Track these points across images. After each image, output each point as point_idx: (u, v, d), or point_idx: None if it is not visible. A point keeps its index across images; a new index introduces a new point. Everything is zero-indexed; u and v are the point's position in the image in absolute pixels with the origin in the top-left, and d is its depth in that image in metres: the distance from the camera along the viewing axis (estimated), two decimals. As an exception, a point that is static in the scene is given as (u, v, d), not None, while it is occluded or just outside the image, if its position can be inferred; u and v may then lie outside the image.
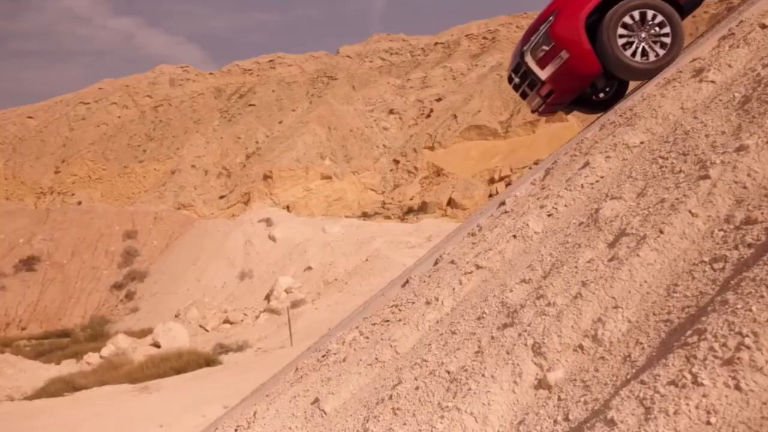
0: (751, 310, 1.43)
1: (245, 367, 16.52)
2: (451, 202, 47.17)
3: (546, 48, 4.80)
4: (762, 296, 1.45)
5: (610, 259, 2.16)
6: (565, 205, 3.02)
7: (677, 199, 2.17)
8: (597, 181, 3.01)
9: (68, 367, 21.74)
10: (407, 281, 3.91)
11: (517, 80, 5.32)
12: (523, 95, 5.35)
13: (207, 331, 27.52)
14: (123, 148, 73.60)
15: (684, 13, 4.82)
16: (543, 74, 4.89)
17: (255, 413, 3.47)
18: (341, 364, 3.27)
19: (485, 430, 1.88)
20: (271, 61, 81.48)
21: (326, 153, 62.10)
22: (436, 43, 77.12)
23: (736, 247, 1.78)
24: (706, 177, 2.14)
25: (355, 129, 66.64)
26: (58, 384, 16.76)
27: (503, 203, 3.87)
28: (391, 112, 69.27)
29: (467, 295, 2.95)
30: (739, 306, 1.47)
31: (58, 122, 77.11)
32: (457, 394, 2.11)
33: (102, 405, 13.28)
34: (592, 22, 4.77)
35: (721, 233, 1.89)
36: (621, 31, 4.58)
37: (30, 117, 78.15)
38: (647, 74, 4.63)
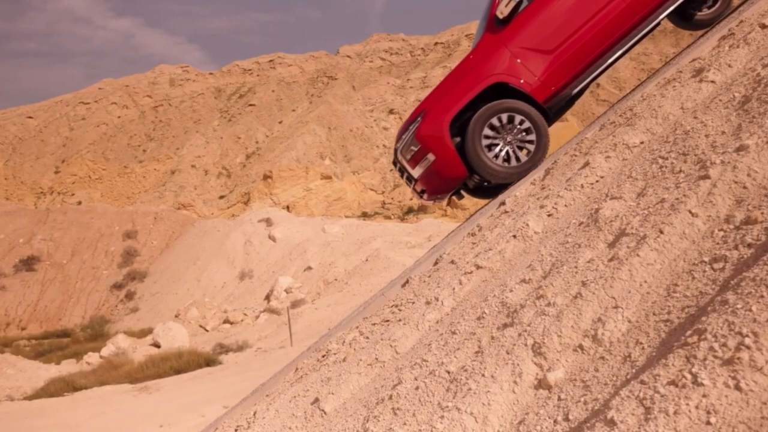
0: (751, 310, 1.43)
1: (245, 367, 16.53)
2: (451, 202, 47.20)
3: (414, 149, 4.81)
4: (762, 296, 1.45)
5: (610, 259, 2.16)
6: (565, 205, 3.02)
7: (677, 199, 2.17)
8: (597, 181, 3.01)
9: (68, 367, 21.74)
10: (407, 281, 3.91)
11: (398, 170, 5.34)
12: (408, 181, 5.37)
13: (207, 331, 27.52)
14: (123, 148, 73.60)
15: (551, 119, 4.82)
16: (414, 173, 4.91)
17: (255, 413, 3.47)
18: (341, 364, 3.27)
19: (485, 430, 1.88)
20: (271, 61, 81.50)
21: (326, 153, 62.12)
22: (436, 43, 77.09)
23: (736, 247, 1.78)
24: (706, 177, 2.14)
25: (355, 129, 66.66)
26: (58, 384, 16.76)
27: (503, 203, 3.88)
28: (391, 112, 69.27)
29: (467, 295, 2.95)
30: (739, 306, 1.47)
31: (58, 122, 77.11)
32: (457, 394, 2.11)
33: (102, 405, 13.28)
34: (465, 120, 4.77)
35: (721, 233, 1.89)
36: (487, 132, 4.58)
37: (30, 117, 78.16)
38: (511, 178, 4.64)
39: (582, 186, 3.03)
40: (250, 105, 74.66)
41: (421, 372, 2.46)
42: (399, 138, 5.08)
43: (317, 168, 58.01)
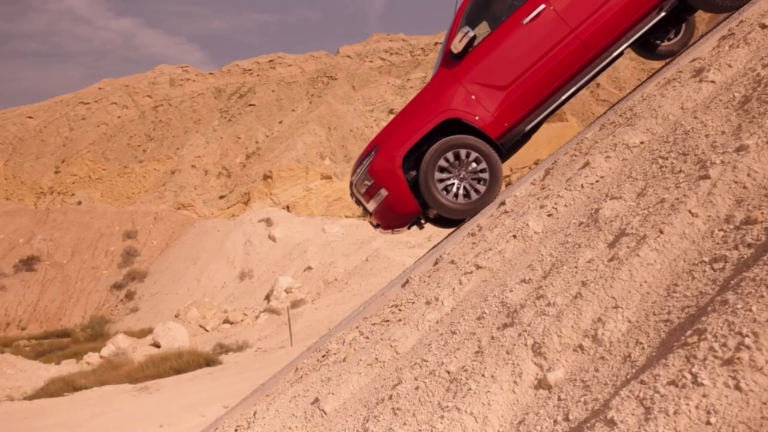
0: (751, 310, 1.43)
1: (245, 367, 16.53)
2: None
3: (368, 184, 4.80)
4: (762, 296, 1.45)
5: (610, 259, 2.16)
6: (565, 205, 3.02)
7: (677, 199, 2.17)
8: (597, 181, 3.01)
9: (68, 367, 21.75)
10: (407, 281, 3.91)
11: (355, 201, 5.32)
12: (365, 212, 5.34)
13: (207, 331, 27.52)
14: (123, 148, 73.64)
15: (504, 155, 4.79)
16: (369, 207, 4.91)
17: (255, 413, 3.47)
18: (341, 364, 3.27)
19: (485, 430, 1.88)
20: (271, 61, 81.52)
21: (326, 153, 62.15)
22: (436, 43, 77.10)
23: (736, 247, 1.78)
24: (706, 177, 2.14)
25: (355, 129, 66.68)
26: (58, 384, 16.77)
27: (503, 203, 3.88)
28: (391, 112, 69.31)
29: (467, 295, 2.95)
30: (739, 306, 1.47)
31: (58, 122, 77.15)
32: (457, 394, 2.11)
33: (102, 405, 13.28)
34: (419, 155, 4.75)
35: (721, 233, 1.89)
36: (441, 166, 4.56)
37: (30, 117, 78.20)
38: (463, 214, 4.63)
39: (582, 186, 3.03)
40: (250, 105, 74.69)
41: (421, 372, 2.46)
42: (354, 171, 5.06)
43: (317, 168, 58.04)
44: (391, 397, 2.40)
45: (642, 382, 1.49)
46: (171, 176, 66.60)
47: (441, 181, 4.59)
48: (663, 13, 4.61)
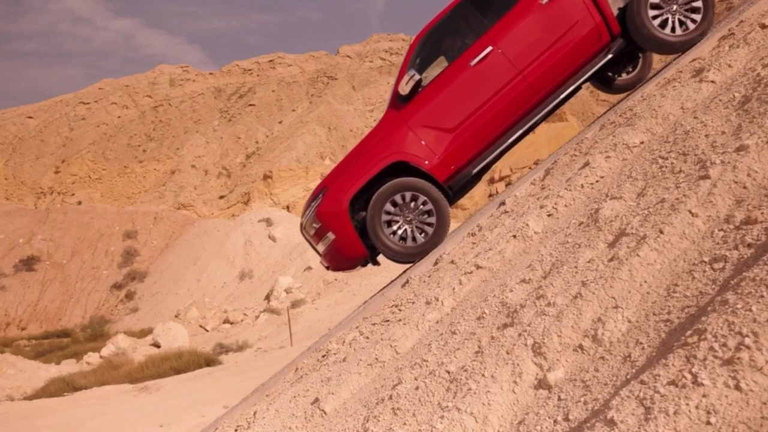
0: (751, 310, 1.43)
1: (245, 367, 16.53)
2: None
3: (316, 226, 4.78)
4: (762, 296, 1.45)
5: (610, 259, 2.16)
6: (565, 205, 3.02)
7: (677, 199, 2.17)
8: (597, 181, 3.01)
9: (68, 367, 21.75)
10: (407, 281, 3.91)
11: (306, 240, 5.30)
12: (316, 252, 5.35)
13: (207, 331, 27.52)
14: (123, 148, 73.66)
15: (451, 198, 4.76)
16: (319, 248, 4.89)
17: (255, 413, 3.47)
18: (341, 364, 3.27)
19: (485, 430, 1.88)
20: (271, 61, 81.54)
21: (326, 153, 62.14)
22: (436, 43, 76.95)
23: (736, 247, 1.78)
24: (706, 177, 2.14)
25: (355, 129, 66.67)
26: (58, 384, 16.77)
27: (503, 203, 3.88)
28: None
29: (467, 295, 2.95)
30: (739, 306, 1.47)
31: (58, 122, 77.16)
32: (457, 394, 2.11)
33: (102, 405, 13.29)
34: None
35: (721, 233, 1.89)
36: (388, 209, 4.54)
37: (30, 117, 78.22)
38: (410, 258, 4.61)
39: (582, 186, 3.03)
40: (250, 105, 74.70)
41: (421, 372, 2.46)
42: (304, 212, 5.04)
43: (317, 168, 58.03)
44: (391, 397, 2.40)
45: (642, 382, 1.49)
46: (171, 176, 66.61)
47: (388, 224, 4.56)
48: (610, 55, 4.62)
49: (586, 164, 3.14)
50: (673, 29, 4.44)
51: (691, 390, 1.35)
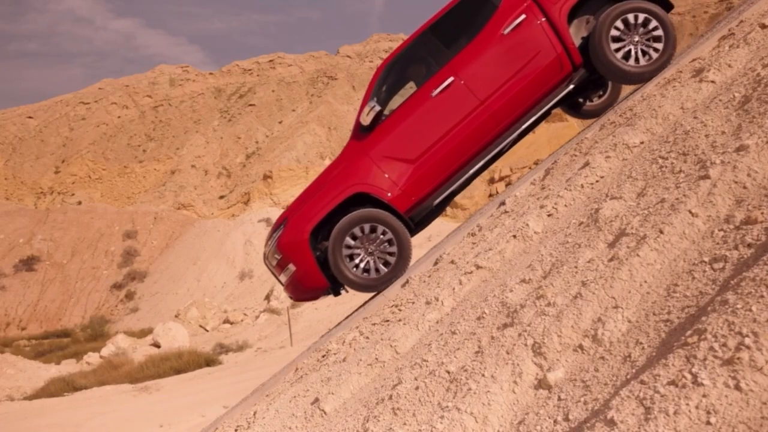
0: (751, 310, 1.43)
1: (245, 367, 16.53)
2: (451, 202, 47.17)
3: (277, 257, 4.77)
4: (762, 296, 1.45)
5: (610, 259, 2.16)
6: (565, 205, 3.02)
7: (677, 199, 2.17)
8: (597, 181, 3.01)
9: (68, 367, 21.75)
10: (407, 281, 3.91)
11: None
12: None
13: (207, 331, 27.52)
14: (123, 148, 73.68)
15: (413, 230, 4.75)
16: (281, 279, 4.87)
17: (255, 413, 3.47)
18: (341, 364, 3.27)
19: (485, 430, 1.88)
20: (271, 61, 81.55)
21: (326, 153, 62.15)
22: (436, 43, 76.96)
23: (736, 247, 1.78)
24: (706, 177, 2.14)
25: (355, 129, 66.46)
26: (58, 384, 16.77)
27: (503, 203, 3.88)
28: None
29: (467, 295, 2.95)
30: (739, 306, 1.47)
31: (58, 122, 77.18)
32: (457, 394, 2.11)
33: (102, 405, 13.29)
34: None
35: (721, 233, 1.89)
36: (349, 241, 4.53)
37: (30, 117, 78.23)
38: (372, 289, 4.60)
39: (582, 186, 3.03)
40: (250, 105, 74.73)
41: (421, 372, 2.46)
42: (267, 242, 5.02)
43: (317, 168, 58.02)
44: (391, 397, 2.40)
45: (642, 382, 1.49)
46: (171, 176, 66.63)
47: (349, 255, 4.54)
48: (572, 86, 4.62)
49: (586, 164, 3.14)
50: (636, 59, 4.45)
51: (691, 390, 1.35)
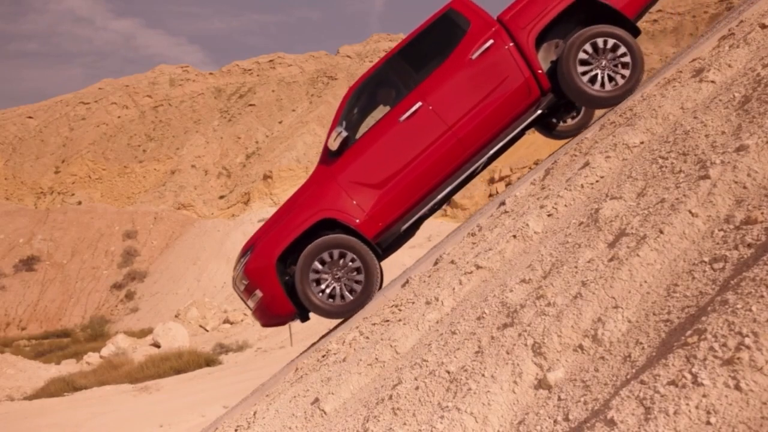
0: (751, 310, 1.43)
1: (245, 367, 16.53)
2: (450, 202, 47.19)
3: (245, 283, 4.75)
4: (762, 296, 1.45)
5: (610, 259, 2.16)
6: (565, 205, 3.02)
7: (677, 199, 2.17)
8: (597, 181, 3.01)
9: (68, 367, 21.75)
10: (407, 281, 3.91)
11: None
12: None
13: (207, 331, 27.52)
14: (123, 148, 73.68)
15: (380, 255, 4.73)
16: (249, 304, 4.86)
17: (255, 413, 3.47)
18: (341, 364, 3.27)
19: (485, 430, 1.88)
20: (271, 61, 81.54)
21: (326, 153, 62.05)
22: (436, 43, 76.92)
23: (736, 247, 1.78)
24: (706, 177, 2.14)
25: (355, 129, 66.46)
26: (58, 384, 16.78)
27: (503, 203, 3.88)
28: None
29: (467, 295, 2.95)
30: (739, 306, 1.47)
31: (58, 122, 77.18)
32: (457, 394, 2.11)
33: (102, 405, 13.29)
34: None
35: (721, 233, 1.89)
36: (316, 266, 4.51)
37: (30, 117, 78.23)
38: (339, 315, 4.59)
39: (582, 186, 3.03)
40: (250, 105, 74.73)
41: (421, 372, 2.46)
42: (235, 267, 5.01)
43: (317, 168, 57.99)
44: (391, 397, 2.40)
45: (642, 382, 1.49)
46: (171, 176, 66.63)
47: (317, 282, 4.52)
48: (539, 111, 4.63)
49: (586, 164, 3.14)
50: (602, 84, 4.46)
51: (691, 390, 1.35)
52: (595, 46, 4.43)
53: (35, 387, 17.46)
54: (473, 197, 45.84)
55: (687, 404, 1.33)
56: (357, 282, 4.55)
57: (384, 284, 4.98)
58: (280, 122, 71.25)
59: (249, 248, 4.83)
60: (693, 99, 3.03)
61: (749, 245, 1.74)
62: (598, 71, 4.46)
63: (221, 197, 63.10)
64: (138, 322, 36.42)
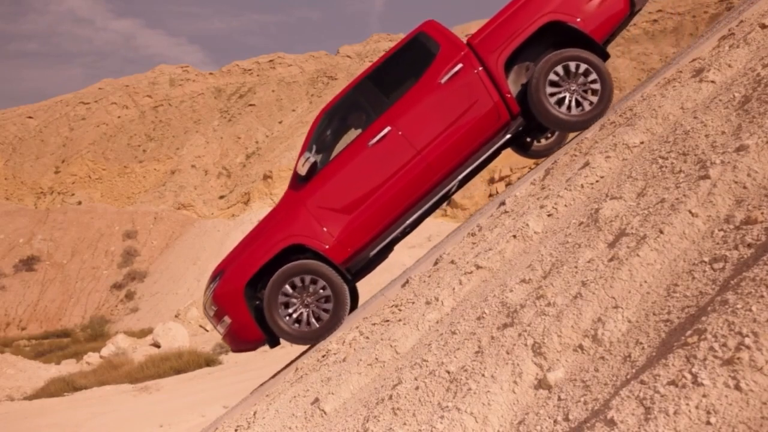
0: (751, 310, 1.43)
1: (245, 367, 16.52)
2: (450, 202, 47.17)
3: (214, 309, 4.75)
4: (762, 296, 1.45)
5: (610, 259, 2.16)
6: (565, 205, 3.02)
7: (677, 199, 2.17)
8: (597, 181, 3.01)
9: (68, 367, 21.74)
10: (407, 281, 3.91)
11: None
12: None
13: (207, 331, 27.50)
14: (123, 148, 73.68)
15: (350, 281, 4.72)
16: (219, 329, 4.85)
17: (255, 413, 3.47)
18: (341, 364, 3.27)
19: (485, 430, 1.88)
20: (271, 61, 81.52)
21: (326, 153, 62.02)
22: (436, 43, 76.92)
23: (736, 247, 1.78)
24: (706, 177, 2.14)
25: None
26: (58, 384, 16.77)
27: (503, 203, 3.88)
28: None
29: (467, 295, 2.95)
30: (739, 306, 1.47)
31: (58, 122, 77.17)
32: (457, 394, 2.11)
33: (102, 405, 13.29)
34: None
35: (721, 233, 1.89)
36: (287, 290, 4.50)
37: (30, 117, 78.22)
38: (307, 341, 4.57)
39: (582, 186, 3.03)
40: (250, 105, 74.72)
41: (421, 372, 2.46)
42: (205, 292, 5.00)
43: (317, 168, 57.98)
44: (391, 397, 2.40)
45: (642, 382, 1.49)
46: (171, 176, 66.61)
47: (285, 305, 4.51)
48: (509, 135, 4.63)
49: (586, 164, 3.14)
50: (569, 108, 4.47)
51: (691, 390, 1.35)
52: (567, 69, 4.44)
53: (35, 387, 17.45)
54: (473, 197, 45.82)
55: (687, 404, 1.33)
56: (325, 310, 4.52)
57: (385, 284, 4.97)
58: (280, 122, 71.23)
59: (218, 273, 4.81)
60: (693, 99, 3.03)
61: (749, 245, 1.74)
62: (567, 94, 4.47)
63: (221, 197, 63.08)
64: (138, 322, 36.41)
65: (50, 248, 45.02)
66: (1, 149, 74.19)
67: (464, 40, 4.79)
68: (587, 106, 4.45)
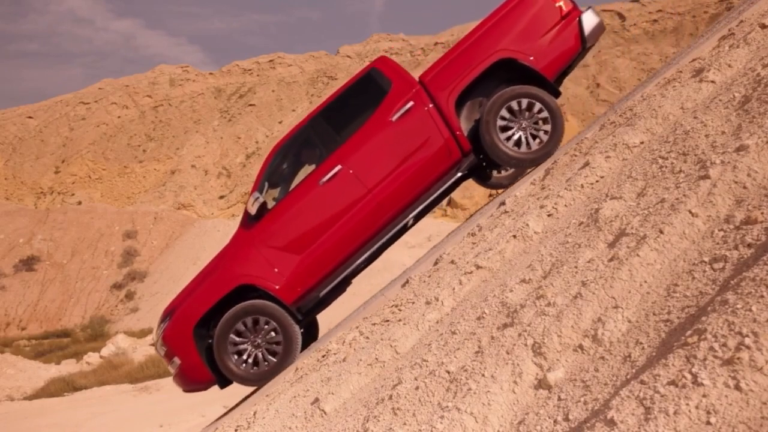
0: (751, 310, 1.43)
1: (245, 367, 16.52)
2: (450, 202, 47.16)
3: (164, 349, 4.72)
4: (762, 296, 1.45)
5: (610, 259, 2.16)
6: (565, 205, 3.02)
7: (677, 199, 2.17)
8: (597, 181, 3.01)
9: (68, 367, 21.73)
10: (407, 281, 3.91)
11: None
12: None
13: (207, 331, 27.51)
14: (123, 148, 73.69)
15: (300, 321, 4.66)
16: (170, 369, 4.81)
17: (255, 413, 3.47)
18: (341, 364, 3.27)
19: (485, 430, 1.88)
20: (271, 61, 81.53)
21: (326, 153, 62.03)
22: (436, 43, 77.08)
23: (736, 247, 1.78)
24: (706, 177, 2.14)
25: (355, 129, 66.48)
26: (58, 384, 16.77)
27: (503, 203, 3.88)
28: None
29: (467, 295, 2.95)
30: (739, 306, 1.47)
31: (58, 122, 77.18)
32: (457, 394, 2.11)
33: (102, 405, 13.29)
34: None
35: (721, 233, 1.89)
36: (238, 328, 4.46)
37: (30, 117, 78.22)
38: (260, 382, 4.53)
39: (582, 186, 3.03)
40: (250, 105, 74.73)
41: (421, 372, 2.46)
42: (156, 331, 4.96)
43: (317, 168, 57.96)
44: (391, 397, 2.40)
45: (642, 382, 1.49)
46: (171, 176, 66.62)
47: (235, 344, 4.47)
48: (460, 173, 4.62)
49: (586, 164, 3.14)
50: (519, 144, 4.46)
51: (691, 390, 1.35)
52: (511, 109, 4.42)
53: (35, 387, 17.45)
54: (473, 197, 45.81)
55: (687, 404, 1.33)
56: (274, 353, 4.49)
57: (385, 284, 4.97)
58: (280, 122, 71.23)
59: (168, 314, 4.78)
60: (693, 99, 3.03)
61: (749, 245, 1.74)
62: (519, 131, 4.46)
63: (221, 197, 63.08)
64: (138, 322, 36.40)
65: (50, 248, 45.02)
66: (1, 149, 74.20)
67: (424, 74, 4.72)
68: (544, 137, 4.45)
